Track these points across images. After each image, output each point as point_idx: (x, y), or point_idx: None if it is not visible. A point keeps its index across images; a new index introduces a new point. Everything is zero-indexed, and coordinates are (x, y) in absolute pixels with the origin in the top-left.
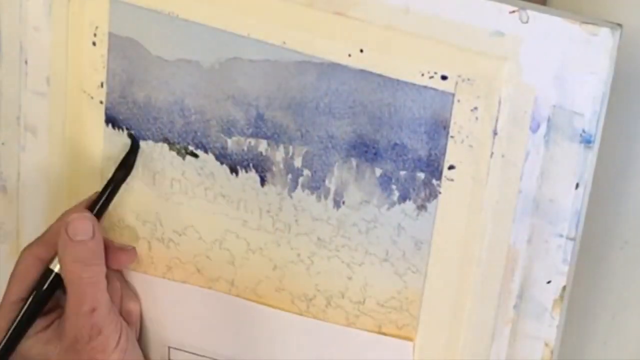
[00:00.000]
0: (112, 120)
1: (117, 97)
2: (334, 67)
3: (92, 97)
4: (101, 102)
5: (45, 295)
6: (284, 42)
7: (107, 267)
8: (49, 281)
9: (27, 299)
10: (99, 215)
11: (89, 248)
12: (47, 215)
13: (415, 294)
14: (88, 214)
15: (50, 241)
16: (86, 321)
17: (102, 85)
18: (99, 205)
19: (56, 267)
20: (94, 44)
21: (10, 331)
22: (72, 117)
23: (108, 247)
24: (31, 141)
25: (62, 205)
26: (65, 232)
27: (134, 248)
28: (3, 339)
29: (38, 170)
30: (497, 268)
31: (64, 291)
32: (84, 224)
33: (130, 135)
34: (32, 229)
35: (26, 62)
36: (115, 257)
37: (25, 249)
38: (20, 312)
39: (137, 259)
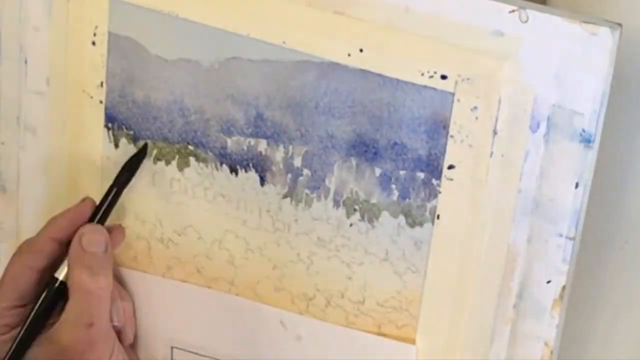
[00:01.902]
0: (111, 120)
1: (116, 96)
2: (334, 66)
3: (91, 97)
4: (101, 102)
5: (51, 305)
6: (284, 42)
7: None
8: (54, 289)
9: (20, 306)
10: (101, 222)
11: (100, 259)
12: (47, 215)
13: (414, 293)
14: (104, 228)
15: (40, 249)
16: (83, 335)
17: (101, 85)
18: (102, 212)
19: (60, 275)
20: (93, 43)
21: (16, 342)
22: (72, 116)
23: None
24: (31, 141)
25: (61, 205)
26: (78, 243)
27: (120, 225)
28: (9, 351)
29: (37, 170)
30: (497, 267)
31: (65, 299)
32: (99, 236)
33: (144, 145)
34: (32, 229)
35: (26, 62)
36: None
37: (15, 256)
38: (25, 322)
39: (136, 256)
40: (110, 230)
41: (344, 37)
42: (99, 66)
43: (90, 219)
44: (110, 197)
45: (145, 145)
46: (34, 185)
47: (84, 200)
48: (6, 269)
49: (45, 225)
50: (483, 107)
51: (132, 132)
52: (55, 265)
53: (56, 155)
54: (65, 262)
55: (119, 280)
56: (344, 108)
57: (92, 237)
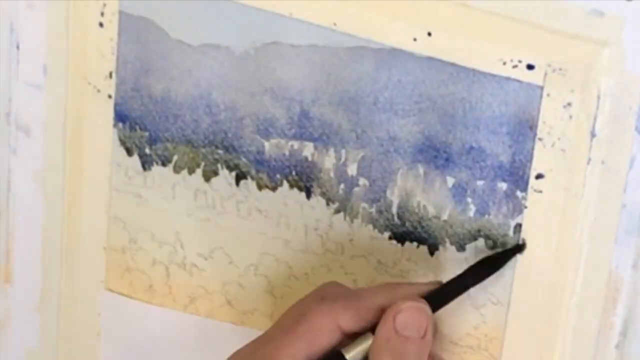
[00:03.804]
0: (123, 118)
1: (129, 90)
2: (396, 53)
3: (98, 90)
4: (110, 96)
5: None
6: (334, 24)
7: None
8: None
9: None
10: (434, 309)
11: (415, 348)
12: (43, 233)
13: (496, 330)
14: (426, 307)
15: (363, 312)
16: None
17: (110, 76)
18: (440, 298)
19: (348, 354)
20: (101, 25)
21: None
22: (74, 114)
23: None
24: (24, 143)
25: (61, 221)
26: (391, 319)
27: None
28: None
29: (32, 178)
30: (596, 299)
31: None
32: (418, 318)
33: (521, 244)
34: (25, 251)
35: (18, 47)
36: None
37: (324, 304)
38: None
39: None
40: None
41: (409, 18)
42: (107, 53)
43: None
44: (448, 292)
45: (518, 246)
46: (26, 198)
47: (436, 281)
48: (303, 314)
49: (380, 286)
50: (578, 103)
51: (147, 134)
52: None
53: (54, 161)
54: (361, 342)
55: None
56: (408, 104)
57: (409, 316)
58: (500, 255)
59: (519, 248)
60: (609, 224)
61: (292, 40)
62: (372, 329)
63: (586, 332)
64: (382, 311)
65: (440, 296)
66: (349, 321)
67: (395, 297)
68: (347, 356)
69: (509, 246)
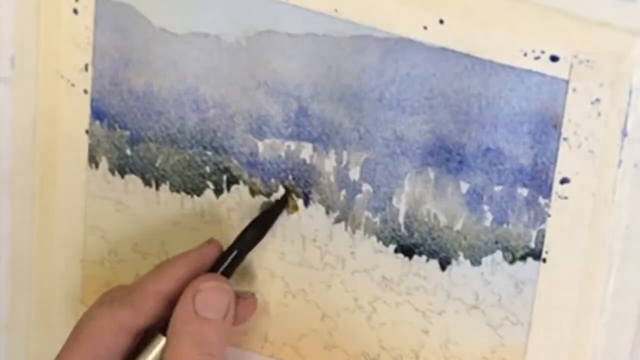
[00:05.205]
0: (100, 116)
1: (106, 84)
2: (404, 43)
3: (73, 84)
4: (85, 92)
5: None
6: (336, 10)
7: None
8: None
9: None
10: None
11: (215, 331)
12: (11, 244)
13: (515, 352)
14: (228, 287)
15: (140, 305)
16: None
17: (86, 68)
18: (228, 262)
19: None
20: (75, 11)
21: None
22: (46, 111)
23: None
24: None
25: (31, 230)
26: (191, 301)
27: (253, 295)
28: None
29: None
30: (627, 318)
31: None
32: (219, 299)
33: (285, 188)
34: None
35: None
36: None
37: (102, 307)
38: None
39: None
40: (241, 299)
41: (418, 4)
42: (82, 42)
43: (212, 270)
44: (230, 258)
45: (286, 194)
46: None
47: (209, 241)
48: (88, 321)
49: (151, 271)
50: (608, 99)
51: (128, 133)
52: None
53: (24, 162)
54: (152, 346)
55: None
56: (418, 100)
57: (210, 296)
58: (273, 207)
59: (286, 196)
60: None
61: (289, 28)
62: (160, 319)
63: (617, 354)
64: (159, 297)
65: (226, 266)
66: (127, 317)
67: (170, 277)
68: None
69: (527, 257)
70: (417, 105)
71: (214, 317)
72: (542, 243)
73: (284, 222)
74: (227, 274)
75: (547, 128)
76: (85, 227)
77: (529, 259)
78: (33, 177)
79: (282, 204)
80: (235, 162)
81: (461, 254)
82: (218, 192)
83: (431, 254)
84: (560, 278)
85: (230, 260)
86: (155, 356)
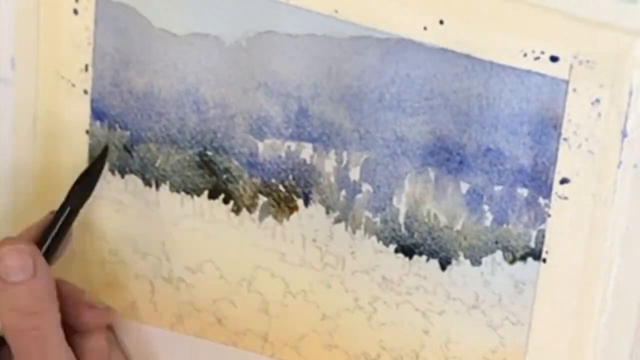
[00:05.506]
0: (100, 116)
1: (107, 84)
2: (405, 44)
3: (73, 85)
4: (86, 92)
5: None
6: (336, 11)
7: (72, 327)
8: None
9: None
10: (50, 251)
11: (29, 291)
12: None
13: (516, 353)
14: (26, 246)
15: None
16: None
17: (86, 69)
18: (49, 239)
19: None
20: (75, 12)
21: None
22: (46, 111)
23: (72, 300)
24: None
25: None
26: None
27: (108, 308)
28: None
29: (0, 182)
30: (628, 318)
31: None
32: (20, 260)
33: (104, 148)
34: None
35: None
36: (81, 316)
37: None
38: None
39: (118, 313)
40: (89, 308)
41: (418, 5)
42: (83, 43)
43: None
44: (61, 220)
45: (106, 149)
46: None
47: (49, 217)
48: None
49: None
50: (608, 99)
51: (128, 134)
52: None
53: (24, 162)
54: None
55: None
56: (418, 101)
57: (10, 261)
58: (95, 162)
59: (106, 149)
60: None
61: (289, 29)
62: None
63: (617, 354)
64: None
65: (57, 230)
66: None
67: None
68: None
69: (527, 257)
70: (417, 105)
71: (22, 278)
72: (542, 243)
73: (284, 222)
74: (60, 236)
75: (547, 128)
76: (85, 227)
77: (529, 259)
78: (33, 177)
79: (102, 158)
80: (235, 162)
81: (461, 254)
82: (218, 192)
83: (431, 254)
84: (561, 278)
85: (60, 222)
86: None
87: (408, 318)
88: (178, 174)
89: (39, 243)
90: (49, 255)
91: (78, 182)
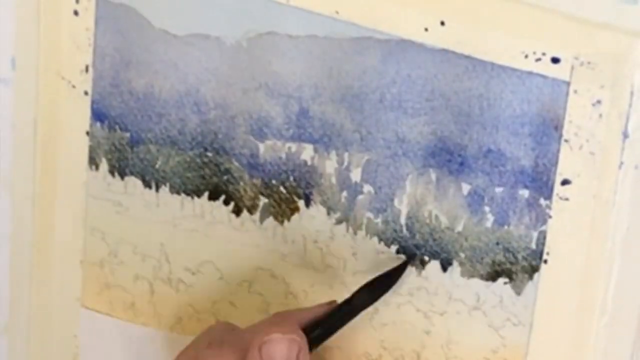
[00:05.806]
0: (101, 117)
1: (107, 85)
2: (405, 45)
3: (73, 86)
4: (86, 93)
5: None
6: (337, 12)
7: None
8: None
9: None
10: (314, 342)
11: None
12: (11, 245)
13: (517, 353)
14: (297, 338)
15: (243, 349)
16: None
17: (87, 70)
18: (319, 332)
19: None
20: (76, 13)
21: None
22: (47, 112)
23: None
24: None
25: (31, 231)
26: (257, 350)
27: None
28: None
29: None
30: (628, 319)
31: None
32: (288, 350)
33: (404, 262)
34: None
35: None
36: None
37: (214, 348)
38: None
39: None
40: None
41: (419, 6)
42: (83, 44)
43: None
44: (340, 315)
45: (406, 263)
46: None
47: (329, 303)
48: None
49: (265, 320)
50: (609, 100)
51: (128, 135)
52: None
53: (24, 163)
54: None
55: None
56: (419, 102)
57: (275, 347)
58: (391, 273)
59: (405, 264)
60: None
61: (290, 30)
62: None
63: (618, 355)
64: None
65: (329, 323)
66: (231, 356)
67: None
68: None
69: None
70: (418, 106)
71: None
72: (543, 244)
73: (284, 223)
74: (332, 330)
75: (548, 130)
76: (85, 228)
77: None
78: (33, 178)
79: (400, 271)
80: (236, 163)
81: (462, 255)
82: (219, 193)
83: (432, 255)
84: (561, 279)
85: (338, 318)
86: None
87: (409, 318)
88: (178, 175)
89: (308, 329)
90: (311, 343)
91: (370, 283)
